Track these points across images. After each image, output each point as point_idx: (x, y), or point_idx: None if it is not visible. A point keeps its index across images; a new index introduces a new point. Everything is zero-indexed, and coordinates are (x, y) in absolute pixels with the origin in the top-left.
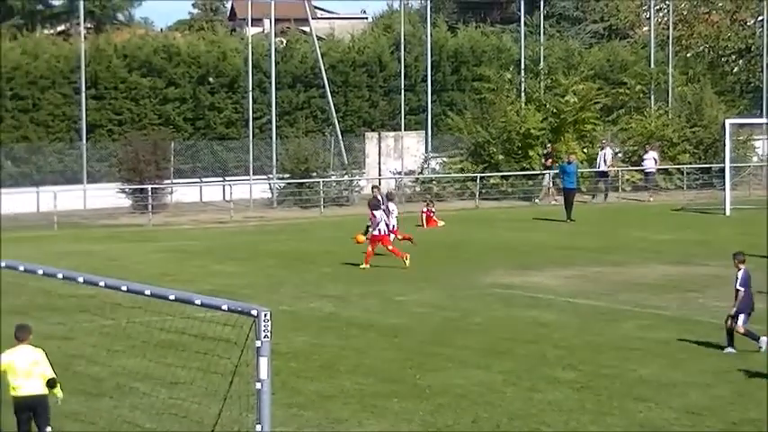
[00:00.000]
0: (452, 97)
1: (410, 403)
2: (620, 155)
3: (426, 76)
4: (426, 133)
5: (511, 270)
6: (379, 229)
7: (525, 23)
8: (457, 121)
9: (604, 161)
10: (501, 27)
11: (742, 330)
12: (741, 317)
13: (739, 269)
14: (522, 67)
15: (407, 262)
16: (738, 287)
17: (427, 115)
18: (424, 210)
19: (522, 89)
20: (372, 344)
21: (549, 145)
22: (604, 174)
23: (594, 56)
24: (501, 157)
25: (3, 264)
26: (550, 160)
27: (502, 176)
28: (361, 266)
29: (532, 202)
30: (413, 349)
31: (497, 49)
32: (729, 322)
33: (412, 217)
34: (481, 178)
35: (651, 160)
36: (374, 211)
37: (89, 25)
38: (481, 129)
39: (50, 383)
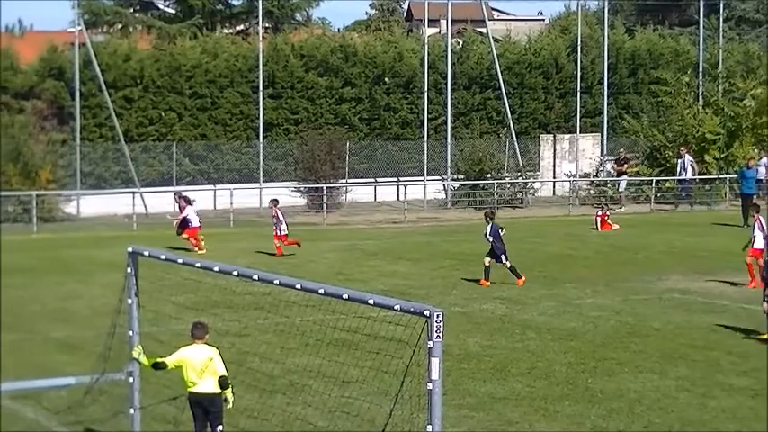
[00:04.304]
0: (629, 100)
1: (582, 407)
2: None
3: (603, 78)
4: (602, 136)
5: (687, 275)
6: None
7: (704, 26)
8: (633, 125)
9: (685, 169)
10: (679, 30)
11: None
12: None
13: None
14: (700, 70)
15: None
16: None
17: (603, 118)
18: (599, 213)
19: (700, 93)
20: (546, 347)
21: (622, 151)
22: (686, 182)
23: None
24: (677, 161)
25: (180, 260)
26: (625, 165)
27: (678, 181)
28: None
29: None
30: (587, 353)
31: (675, 51)
32: None
33: (587, 220)
34: (656, 182)
35: (763, 168)
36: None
37: (267, 25)
38: (657, 132)
39: (222, 383)
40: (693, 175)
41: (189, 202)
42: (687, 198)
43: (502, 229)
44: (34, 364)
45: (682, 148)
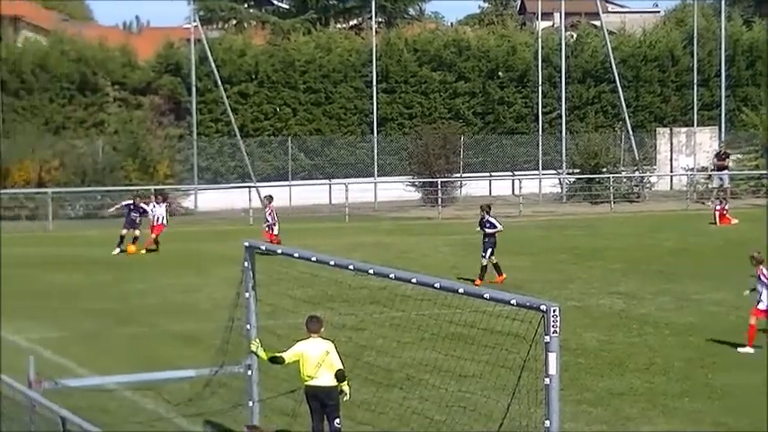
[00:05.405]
0: (747, 92)
1: (701, 403)
2: None
3: (720, 70)
4: (720, 129)
5: None
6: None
7: None
8: (752, 118)
9: None
10: None
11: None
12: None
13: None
14: None
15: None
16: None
17: (721, 111)
18: (717, 207)
19: None
20: (664, 342)
21: (722, 145)
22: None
23: None
24: None
25: (296, 254)
26: (726, 159)
27: None
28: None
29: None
30: (705, 348)
31: None
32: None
33: (705, 214)
34: None
35: None
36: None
37: (380, 19)
38: None
39: (339, 376)
40: None
41: (166, 199)
42: None
43: (496, 224)
44: (154, 356)
45: None
